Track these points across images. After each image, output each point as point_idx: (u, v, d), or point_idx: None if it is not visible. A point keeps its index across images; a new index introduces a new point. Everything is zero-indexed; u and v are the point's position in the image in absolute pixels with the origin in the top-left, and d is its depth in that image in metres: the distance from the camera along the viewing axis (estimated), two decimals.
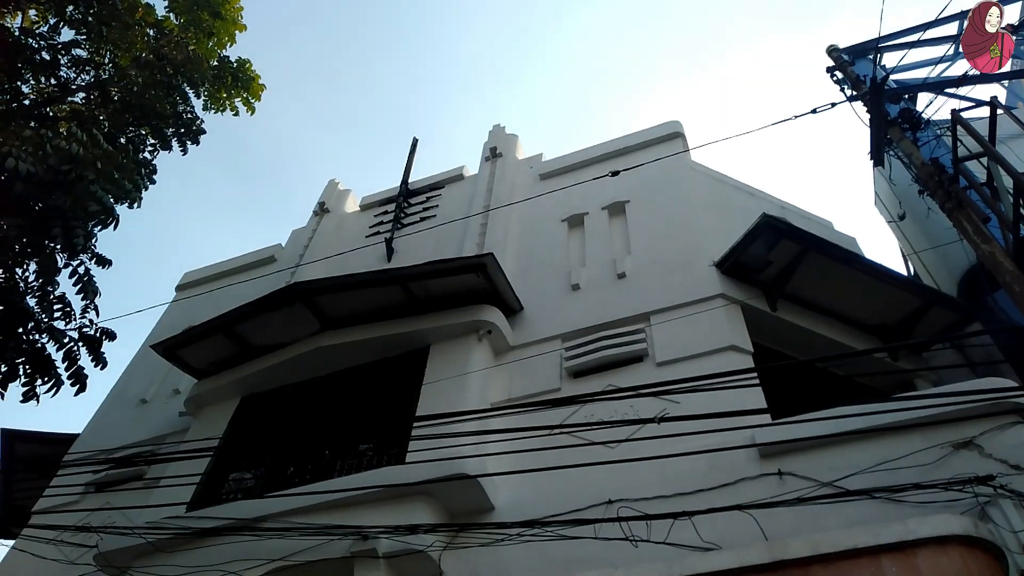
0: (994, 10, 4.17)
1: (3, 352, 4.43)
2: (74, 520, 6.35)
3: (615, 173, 6.77)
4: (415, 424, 5.79)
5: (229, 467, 6.94)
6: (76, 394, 4.90)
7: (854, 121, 8.68)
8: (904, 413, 4.39)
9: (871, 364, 6.69)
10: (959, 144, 6.46)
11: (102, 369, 4.94)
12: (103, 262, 5.24)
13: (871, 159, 7.54)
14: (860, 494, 4.24)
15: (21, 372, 4.57)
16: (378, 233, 10.07)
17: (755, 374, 5.14)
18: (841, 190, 38.84)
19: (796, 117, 6.29)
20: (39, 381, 4.64)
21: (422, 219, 9.99)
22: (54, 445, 8.52)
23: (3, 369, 4.51)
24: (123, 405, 9.04)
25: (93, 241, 5.06)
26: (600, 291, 7.22)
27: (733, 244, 6.61)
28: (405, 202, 10.50)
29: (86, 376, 4.89)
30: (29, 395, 4.62)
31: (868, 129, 7.37)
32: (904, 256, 10.02)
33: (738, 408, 4.44)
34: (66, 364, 4.78)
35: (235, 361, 7.58)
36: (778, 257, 6.52)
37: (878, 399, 5.47)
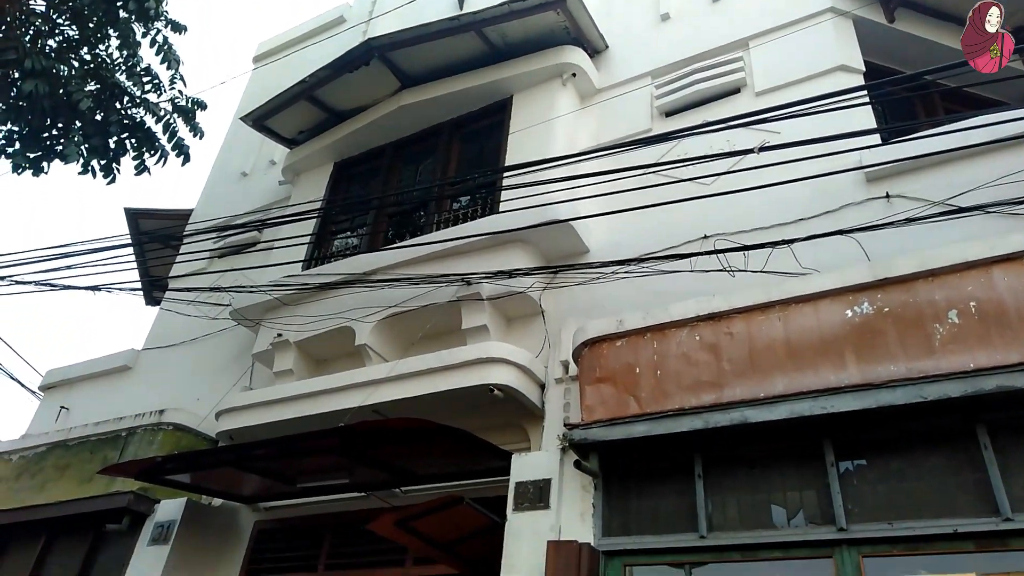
0: (994, 10, 3.48)
1: (107, 127, 4.62)
2: (207, 283, 7.00)
3: None
4: (505, 174, 5.81)
5: (333, 229, 7.34)
6: (183, 164, 5.14)
7: None
8: None
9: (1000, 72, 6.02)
10: None
11: (200, 139, 5.10)
12: (178, 28, 5.15)
13: None
14: (974, 210, 4.04)
15: (129, 147, 4.79)
16: None
17: (864, 94, 4.75)
18: None
19: None
20: (146, 154, 4.87)
21: None
22: (173, 220, 9.18)
23: (112, 146, 4.74)
24: (226, 179, 9.50)
25: (164, 5, 4.95)
26: (692, 19, 6.62)
27: None
28: None
29: (187, 146, 5.07)
30: (141, 168, 4.87)
31: None
32: None
33: (845, 131, 4.17)
34: (167, 136, 4.96)
35: (323, 127, 7.67)
36: None
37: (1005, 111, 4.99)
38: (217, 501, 6.37)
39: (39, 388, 8.72)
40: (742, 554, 3.69)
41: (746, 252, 4.56)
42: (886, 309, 3.67)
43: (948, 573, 3.21)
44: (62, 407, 8.18)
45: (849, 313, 3.77)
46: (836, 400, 3.55)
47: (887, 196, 4.54)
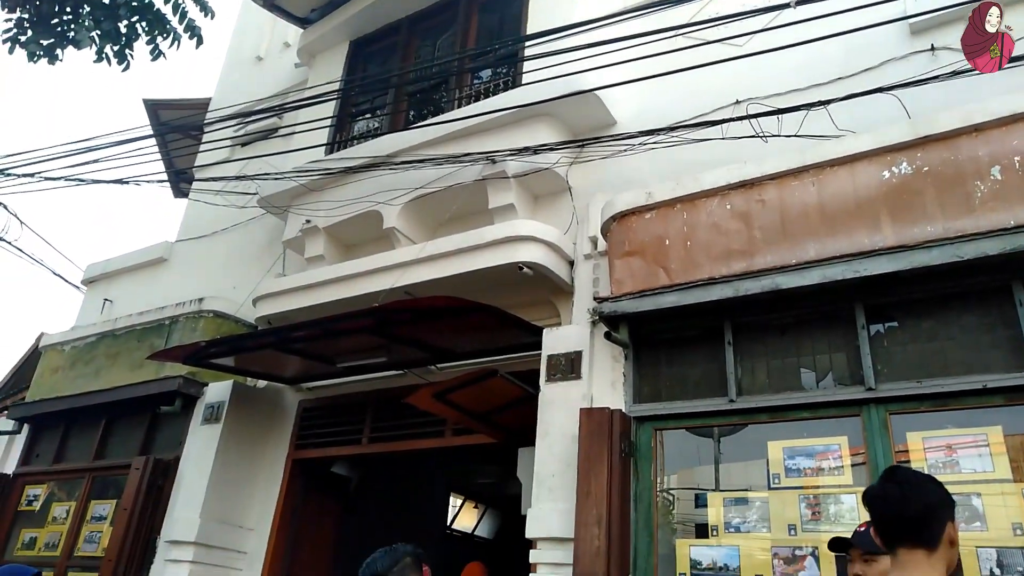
0: (994, 10, 3.11)
1: (116, 10, 4.50)
2: (232, 172, 6.99)
3: None
4: (527, 44, 5.58)
5: (353, 111, 7.20)
6: (197, 47, 5.01)
7: None
8: None
9: None
10: None
11: (211, 18, 4.94)
12: None
13: None
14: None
15: (141, 31, 4.68)
16: None
17: None
18: None
19: None
20: (159, 38, 4.76)
21: None
22: (192, 109, 9.08)
23: (124, 31, 4.63)
24: (242, 65, 9.29)
25: None
26: None
27: None
28: None
29: (199, 27, 4.93)
30: (155, 52, 4.77)
31: None
32: None
33: None
34: (178, 17, 4.82)
35: (336, 3, 7.36)
36: None
37: None
38: (262, 383, 6.66)
39: (81, 282, 8.99)
40: (770, 415, 3.79)
41: (780, 116, 4.39)
42: (925, 168, 3.56)
43: (975, 427, 3.27)
44: (106, 299, 8.46)
45: (886, 174, 3.66)
46: (869, 263, 3.51)
47: (932, 48, 4.29)
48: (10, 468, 7.61)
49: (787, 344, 3.92)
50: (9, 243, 7.45)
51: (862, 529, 2.64)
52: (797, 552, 3.45)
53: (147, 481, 6.12)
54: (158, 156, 7.36)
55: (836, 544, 2.78)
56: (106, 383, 6.98)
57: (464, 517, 10.89)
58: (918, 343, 3.55)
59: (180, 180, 9.26)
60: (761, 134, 4.44)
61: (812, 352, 3.84)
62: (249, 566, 6.04)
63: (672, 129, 4.81)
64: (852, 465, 3.49)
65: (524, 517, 4.30)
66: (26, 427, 7.75)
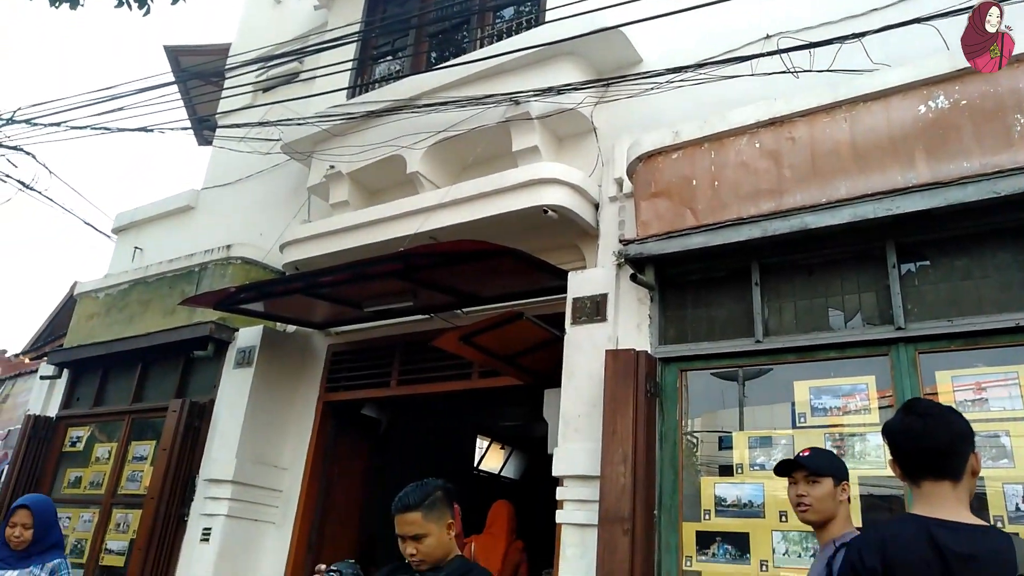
0: (994, 10, 3.12)
1: None
2: (255, 118, 6.97)
3: None
4: None
5: (374, 54, 7.11)
6: None
7: None
8: None
9: None
10: None
11: None
12: None
13: None
14: None
15: None
16: None
17: None
18: None
19: None
20: None
21: None
22: (212, 55, 9.02)
23: None
24: (261, 9, 9.16)
25: None
26: None
27: None
28: None
29: None
30: None
31: None
32: None
33: None
34: None
35: None
36: None
37: None
38: (291, 328, 6.77)
39: (112, 231, 9.12)
40: (797, 356, 3.79)
41: (812, 50, 4.25)
42: (963, 102, 3.45)
43: (1006, 365, 3.24)
44: (136, 247, 8.59)
45: (922, 109, 3.56)
46: (902, 200, 3.45)
47: None
48: (53, 411, 7.89)
49: (815, 284, 3.89)
50: (39, 192, 7.56)
51: (806, 454, 2.63)
52: None
53: (184, 423, 6.31)
54: (181, 103, 7.34)
55: (782, 468, 2.68)
56: (140, 329, 7.15)
57: (490, 458, 11.11)
58: (950, 281, 3.50)
59: (203, 127, 9.27)
60: (792, 69, 4.31)
61: (841, 292, 3.81)
62: (285, 503, 6.26)
63: (700, 66, 4.68)
64: (880, 408, 3.49)
65: (549, 458, 4.38)
66: (66, 372, 8.00)
